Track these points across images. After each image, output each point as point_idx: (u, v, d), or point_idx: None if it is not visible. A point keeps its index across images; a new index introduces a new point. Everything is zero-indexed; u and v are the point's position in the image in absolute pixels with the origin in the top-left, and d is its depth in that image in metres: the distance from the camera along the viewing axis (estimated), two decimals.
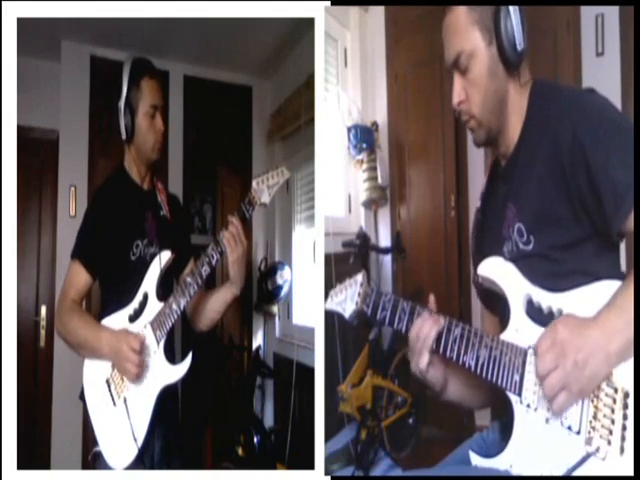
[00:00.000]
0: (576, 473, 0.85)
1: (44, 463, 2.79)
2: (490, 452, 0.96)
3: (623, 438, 0.84)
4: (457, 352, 0.97)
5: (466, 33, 1.00)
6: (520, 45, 0.98)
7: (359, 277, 1.08)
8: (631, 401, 0.85)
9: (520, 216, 1.00)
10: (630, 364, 0.86)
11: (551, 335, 0.87)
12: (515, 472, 0.90)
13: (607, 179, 0.88)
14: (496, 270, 1.01)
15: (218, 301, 1.56)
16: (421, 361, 0.99)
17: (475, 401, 1.15)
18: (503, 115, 1.03)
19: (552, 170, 0.94)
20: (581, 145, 0.90)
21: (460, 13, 1.00)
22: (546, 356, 0.86)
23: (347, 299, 1.07)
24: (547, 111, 0.98)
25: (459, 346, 0.97)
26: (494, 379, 0.93)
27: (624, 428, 0.84)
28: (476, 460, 0.95)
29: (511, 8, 0.97)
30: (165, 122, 1.57)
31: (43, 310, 3.15)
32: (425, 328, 0.98)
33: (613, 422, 0.85)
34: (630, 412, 0.84)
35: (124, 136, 1.52)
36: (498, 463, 0.92)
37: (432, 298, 1.04)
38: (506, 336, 0.96)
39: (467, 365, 0.95)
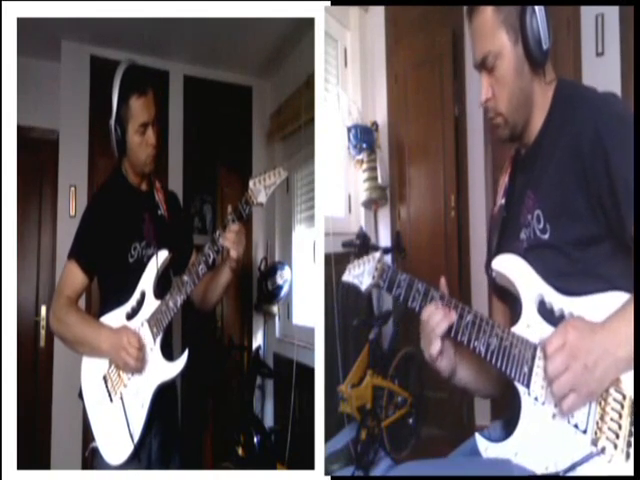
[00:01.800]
0: (580, 471, 0.85)
1: (44, 463, 2.79)
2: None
3: (629, 444, 0.84)
4: (468, 337, 0.98)
5: (493, 34, 1.01)
6: (545, 44, 1.00)
7: (377, 254, 1.13)
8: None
9: (539, 203, 1.01)
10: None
11: (561, 336, 0.87)
12: (519, 460, 0.90)
13: (626, 182, 0.89)
14: (510, 266, 1.02)
15: (218, 286, 1.59)
16: (432, 349, 1.00)
17: (482, 388, 1.15)
18: (528, 112, 1.05)
19: (572, 164, 0.96)
20: (603, 146, 0.91)
21: (487, 14, 1.02)
22: (556, 358, 0.86)
23: (364, 273, 1.12)
24: (571, 109, 1.00)
25: (470, 331, 0.97)
26: (503, 368, 0.94)
27: (631, 434, 0.84)
28: (482, 444, 0.94)
29: (536, 7, 0.99)
30: (163, 123, 1.57)
31: (43, 310, 3.15)
32: (436, 317, 0.99)
33: (620, 427, 0.85)
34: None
35: (116, 154, 1.54)
36: (503, 450, 0.92)
37: (443, 281, 1.06)
38: (517, 330, 0.97)
39: (477, 350, 0.96)
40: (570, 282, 0.95)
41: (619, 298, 0.91)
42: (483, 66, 1.04)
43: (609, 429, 0.85)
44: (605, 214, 0.93)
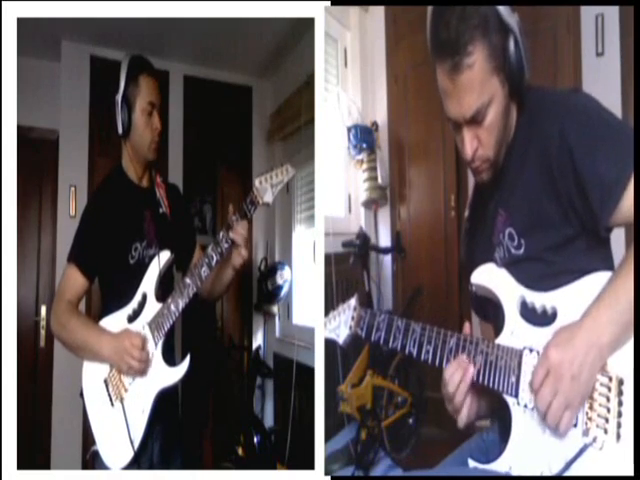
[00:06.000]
0: (575, 465, 0.85)
1: (44, 463, 2.79)
2: (489, 453, 0.96)
3: (619, 425, 0.84)
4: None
5: (485, 85, 0.92)
6: (527, 74, 0.95)
7: (352, 301, 1.10)
8: (626, 388, 0.85)
9: (510, 221, 1.00)
10: (623, 350, 0.86)
11: (544, 365, 0.86)
12: (515, 473, 0.90)
13: (593, 174, 0.88)
14: (489, 276, 1.02)
15: (221, 284, 1.60)
16: (463, 414, 0.98)
17: (488, 411, 1.11)
18: (507, 141, 1.01)
19: (540, 171, 0.94)
20: (567, 142, 0.89)
21: (477, 67, 0.90)
22: (544, 390, 0.85)
23: (341, 325, 1.09)
24: (533, 114, 0.98)
25: (455, 356, 0.97)
26: (491, 384, 0.93)
27: (620, 415, 0.85)
28: (475, 466, 0.95)
29: (519, 37, 0.92)
30: (163, 122, 1.55)
31: (43, 310, 3.15)
32: (457, 376, 0.95)
33: (609, 410, 0.85)
34: (625, 398, 0.85)
35: (120, 131, 1.50)
36: (497, 467, 0.92)
37: (467, 325, 1.01)
38: (502, 340, 0.97)
39: None
40: (550, 281, 0.95)
41: (598, 279, 0.90)
42: (472, 121, 0.94)
43: (598, 416, 0.86)
44: (576, 213, 0.92)
